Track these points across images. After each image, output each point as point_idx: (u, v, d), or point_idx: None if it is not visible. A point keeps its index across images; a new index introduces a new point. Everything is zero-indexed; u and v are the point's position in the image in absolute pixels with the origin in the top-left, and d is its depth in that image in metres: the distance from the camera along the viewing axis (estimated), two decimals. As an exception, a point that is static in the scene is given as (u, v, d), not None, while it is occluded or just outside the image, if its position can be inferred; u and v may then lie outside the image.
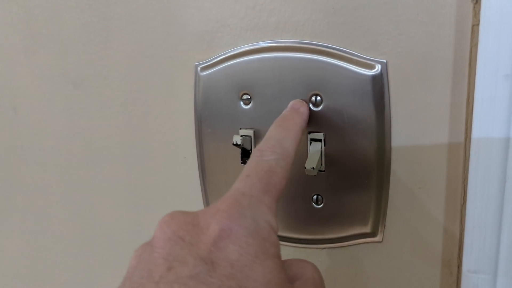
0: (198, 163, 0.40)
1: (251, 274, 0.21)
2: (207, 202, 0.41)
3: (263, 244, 0.22)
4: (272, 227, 0.24)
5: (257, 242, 0.22)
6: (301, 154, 0.35)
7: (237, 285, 0.20)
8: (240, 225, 0.22)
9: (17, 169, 0.50)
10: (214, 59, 0.37)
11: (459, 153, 0.32)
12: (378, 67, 0.32)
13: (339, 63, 0.33)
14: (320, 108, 0.34)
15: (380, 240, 0.35)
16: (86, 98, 0.44)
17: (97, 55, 0.42)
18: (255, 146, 0.37)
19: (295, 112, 0.32)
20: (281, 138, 0.28)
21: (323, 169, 0.35)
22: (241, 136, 0.36)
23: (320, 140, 0.34)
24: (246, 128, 0.37)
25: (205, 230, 0.22)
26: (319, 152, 0.34)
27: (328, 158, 0.34)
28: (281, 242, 0.38)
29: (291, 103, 0.32)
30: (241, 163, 0.37)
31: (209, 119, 0.38)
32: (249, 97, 0.36)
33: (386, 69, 0.32)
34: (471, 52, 0.30)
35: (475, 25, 0.29)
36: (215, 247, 0.21)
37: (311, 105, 0.34)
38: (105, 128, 0.44)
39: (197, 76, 0.38)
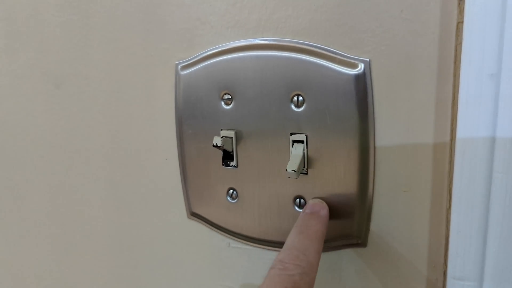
0: (179, 165, 0.39)
1: None
2: (188, 204, 0.39)
3: None
4: None
5: None
6: (284, 156, 0.34)
7: None
8: None
9: (-1, 171, 0.49)
10: (194, 57, 0.36)
11: (445, 154, 0.30)
12: (361, 66, 0.31)
13: (322, 62, 0.32)
14: (302, 108, 0.33)
15: (365, 245, 0.34)
16: (67, 98, 0.43)
17: (77, 54, 0.41)
18: (236, 148, 0.35)
19: (316, 217, 0.29)
20: (304, 248, 0.26)
21: (305, 172, 0.33)
22: (222, 137, 0.35)
23: (302, 142, 0.33)
24: (227, 129, 0.35)
25: None
26: (301, 154, 0.33)
27: (311, 160, 0.33)
28: (263, 247, 0.37)
29: (311, 203, 0.29)
30: (223, 165, 0.36)
31: (190, 119, 0.37)
32: (230, 97, 0.35)
33: (370, 68, 0.31)
34: (456, 50, 0.29)
35: (460, 23, 0.28)
36: None
37: (292, 106, 0.33)
38: (85, 128, 0.43)
39: (177, 75, 0.37)
